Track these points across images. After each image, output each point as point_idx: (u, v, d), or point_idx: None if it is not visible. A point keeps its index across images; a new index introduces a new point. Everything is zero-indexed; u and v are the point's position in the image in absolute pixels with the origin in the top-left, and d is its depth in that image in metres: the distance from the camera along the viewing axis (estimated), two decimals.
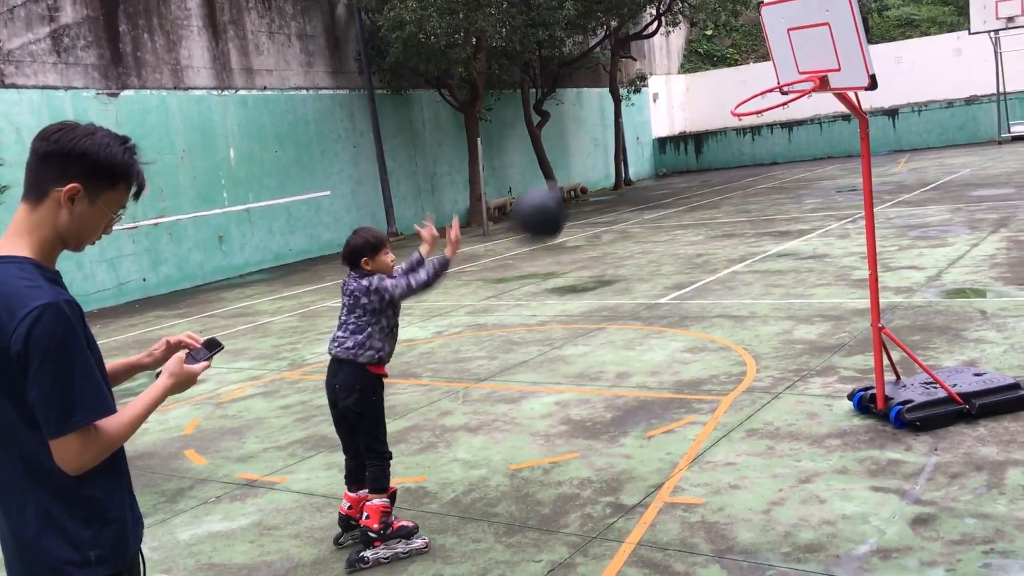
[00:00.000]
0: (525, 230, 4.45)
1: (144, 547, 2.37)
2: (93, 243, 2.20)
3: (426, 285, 4.31)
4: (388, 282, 4.30)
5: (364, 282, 4.28)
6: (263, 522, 5.04)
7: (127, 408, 2.14)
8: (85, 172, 2.08)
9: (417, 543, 4.42)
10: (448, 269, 4.34)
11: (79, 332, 2.03)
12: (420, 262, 4.57)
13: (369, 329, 4.30)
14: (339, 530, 4.63)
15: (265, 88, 18.99)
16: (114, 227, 2.22)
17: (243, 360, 9.53)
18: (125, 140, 2.16)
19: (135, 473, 6.12)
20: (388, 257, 4.39)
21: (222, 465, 6.16)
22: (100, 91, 15.91)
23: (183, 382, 2.26)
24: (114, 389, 2.26)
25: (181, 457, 6.46)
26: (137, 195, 2.20)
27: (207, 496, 5.58)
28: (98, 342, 2.15)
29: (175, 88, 17.18)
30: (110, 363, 2.34)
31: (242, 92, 18.48)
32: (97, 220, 2.16)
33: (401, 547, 4.37)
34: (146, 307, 15.05)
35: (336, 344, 4.38)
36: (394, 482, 4.54)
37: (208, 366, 2.35)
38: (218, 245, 17.80)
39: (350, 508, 4.55)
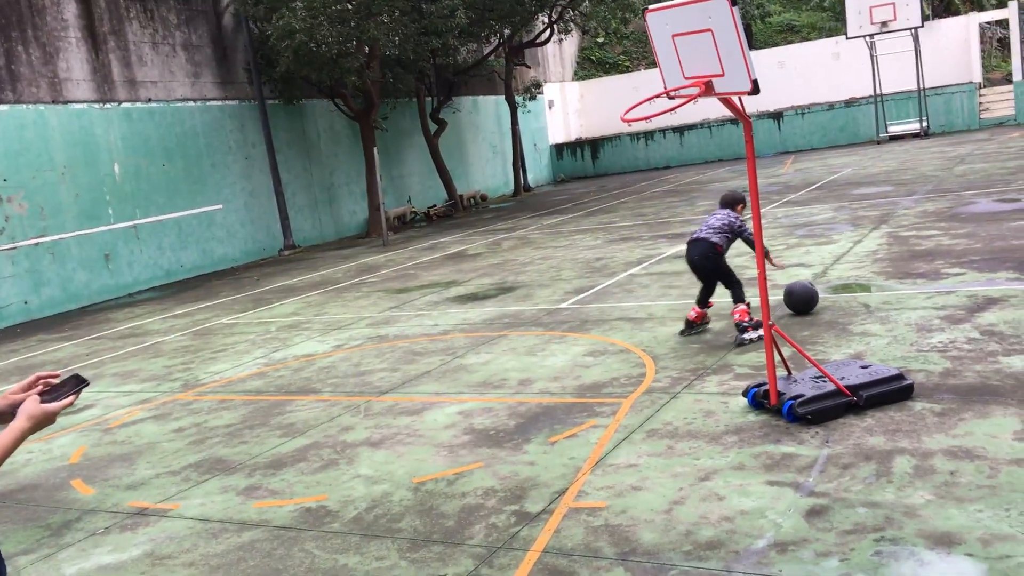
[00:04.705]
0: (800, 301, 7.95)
1: None
2: None
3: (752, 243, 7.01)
4: (747, 227, 7.37)
5: (736, 221, 7.51)
6: (155, 552, 4.84)
7: None
8: None
9: (761, 331, 6.97)
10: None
11: None
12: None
13: (721, 235, 7.47)
14: (683, 327, 7.80)
15: (150, 100, 18.39)
16: None
17: (132, 383, 9.16)
18: None
19: (17, 507, 5.82)
20: (745, 210, 7.45)
21: (111, 494, 5.90)
22: None
23: (41, 422, 2.16)
24: None
25: (67, 487, 6.15)
26: None
27: (95, 527, 5.33)
28: None
29: (53, 102, 16.46)
30: None
31: (126, 105, 17.85)
32: None
33: (758, 333, 7.15)
34: (29, 331, 14.35)
35: (700, 232, 7.63)
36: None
37: (71, 403, 2.23)
38: (104, 264, 17.13)
39: (695, 317, 7.71)
